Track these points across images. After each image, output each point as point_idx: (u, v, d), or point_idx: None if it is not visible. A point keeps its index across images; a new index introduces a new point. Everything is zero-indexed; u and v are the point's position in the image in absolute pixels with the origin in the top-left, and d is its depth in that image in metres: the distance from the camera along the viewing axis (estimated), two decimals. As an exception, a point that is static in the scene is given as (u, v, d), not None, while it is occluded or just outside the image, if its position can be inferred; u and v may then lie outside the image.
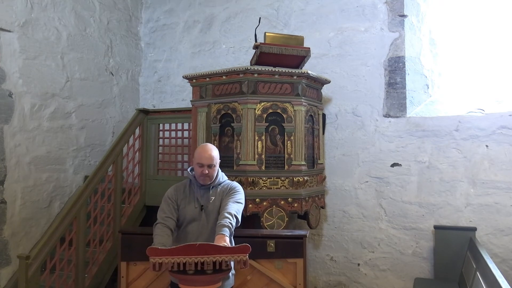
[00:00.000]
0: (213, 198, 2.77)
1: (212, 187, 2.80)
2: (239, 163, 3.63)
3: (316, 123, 4.06)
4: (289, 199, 3.65)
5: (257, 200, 3.57)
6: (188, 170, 2.90)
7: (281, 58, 3.69)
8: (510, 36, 4.43)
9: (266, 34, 3.69)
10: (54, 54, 4.63)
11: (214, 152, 2.78)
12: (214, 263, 2.37)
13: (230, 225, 2.55)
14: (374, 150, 4.41)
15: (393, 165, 4.32)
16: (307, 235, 3.24)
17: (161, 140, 4.59)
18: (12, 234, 4.10)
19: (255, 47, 3.67)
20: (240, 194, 2.81)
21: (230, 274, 2.72)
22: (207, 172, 2.71)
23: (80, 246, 3.70)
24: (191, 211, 2.74)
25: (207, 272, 2.37)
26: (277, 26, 4.98)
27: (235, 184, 2.88)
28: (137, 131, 4.50)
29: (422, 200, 4.16)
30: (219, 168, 2.86)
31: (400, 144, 4.30)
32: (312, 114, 3.94)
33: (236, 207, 2.68)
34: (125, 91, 5.65)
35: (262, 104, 3.65)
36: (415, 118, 4.28)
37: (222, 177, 2.88)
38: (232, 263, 2.54)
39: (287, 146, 3.68)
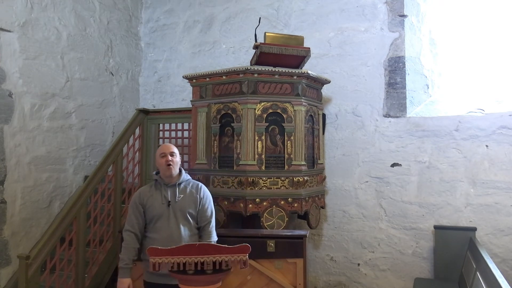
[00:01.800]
0: (182, 196, 2.88)
1: (179, 184, 2.90)
2: (239, 163, 3.63)
3: (316, 123, 4.06)
4: (289, 199, 3.64)
5: (257, 200, 3.57)
6: (154, 173, 3.02)
7: (281, 58, 3.69)
8: (510, 36, 4.43)
9: (266, 34, 3.69)
10: (54, 54, 4.63)
11: (173, 146, 2.97)
12: (214, 263, 2.37)
13: None
14: (374, 150, 4.41)
15: (393, 165, 4.32)
16: (307, 235, 3.24)
17: (161, 140, 4.59)
18: (12, 234, 4.10)
19: (255, 47, 3.67)
20: (211, 203, 3.01)
21: None
22: (170, 158, 2.83)
23: (80, 246, 3.70)
24: (159, 207, 2.84)
25: (207, 272, 2.37)
26: (277, 26, 4.98)
27: (204, 188, 3.00)
28: (137, 131, 4.50)
29: (422, 200, 4.16)
30: (182, 168, 2.98)
31: (400, 144, 4.30)
32: (312, 114, 3.94)
33: (214, 233, 2.95)
34: (125, 91, 5.65)
35: (262, 104, 3.65)
36: (415, 118, 4.28)
37: (186, 175, 3.01)
38: None
39: (287, 146, 3.68)
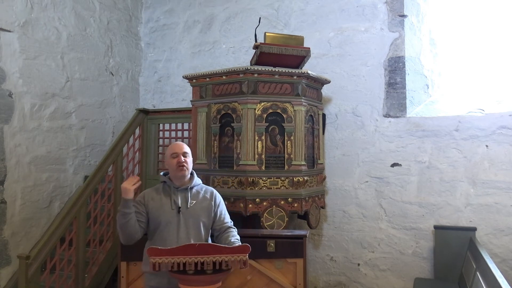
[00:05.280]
0: (194, 202, 2.65)
1: (191, 189, 2.69)
2: (239, 163, 3.63)
3: (316, 123, 4.06)
4: (289, 199, 3.64)
5: (257, 200, 3.57)
6: (161, 174, 2.80)
7: (281, 58, 3.69)
8: (510, 36, 4.43)
9: (266, 34, 3.69)
10: (54, 54, 4.63)
11: (185, 145, 2.74)
12: (214, 263, 2.37)
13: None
14: (374, 150, 4.41)
15: (393, 165, 4.32)
16: (307, 235, 3.24)
17: (161, 140, 4.60)
18: (12, 234, 4.11)
19: (255, 47, 3.67)
20: (226, 209, 2.82)
21: None
22: (183, 159, 2.62)
23: (80, 246, 3.71)
24: (167, 213, 2.59)
25: (207, 272, 2.37)
26: (277, 26, 4.98)
27: (217, 194, 2.80)
28: (137, 131, 4.50)
29: (422, 200, 4.16)
30: (194, 171, 2.78)
31: (400, 144, 4.30)
32: (312, 114, 3.94)
33: (236, 234, 2.70)
34: (125, 91, 5.65)
35: (262, 104, 3.65)
36: (415, 118, 4.28)
37: (198, 179, 2.79)
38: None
39: (287, 146, 3.68)
